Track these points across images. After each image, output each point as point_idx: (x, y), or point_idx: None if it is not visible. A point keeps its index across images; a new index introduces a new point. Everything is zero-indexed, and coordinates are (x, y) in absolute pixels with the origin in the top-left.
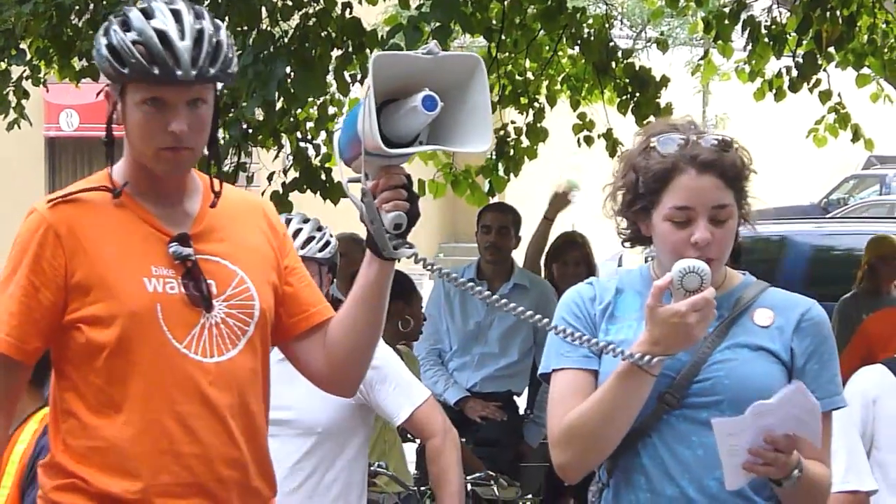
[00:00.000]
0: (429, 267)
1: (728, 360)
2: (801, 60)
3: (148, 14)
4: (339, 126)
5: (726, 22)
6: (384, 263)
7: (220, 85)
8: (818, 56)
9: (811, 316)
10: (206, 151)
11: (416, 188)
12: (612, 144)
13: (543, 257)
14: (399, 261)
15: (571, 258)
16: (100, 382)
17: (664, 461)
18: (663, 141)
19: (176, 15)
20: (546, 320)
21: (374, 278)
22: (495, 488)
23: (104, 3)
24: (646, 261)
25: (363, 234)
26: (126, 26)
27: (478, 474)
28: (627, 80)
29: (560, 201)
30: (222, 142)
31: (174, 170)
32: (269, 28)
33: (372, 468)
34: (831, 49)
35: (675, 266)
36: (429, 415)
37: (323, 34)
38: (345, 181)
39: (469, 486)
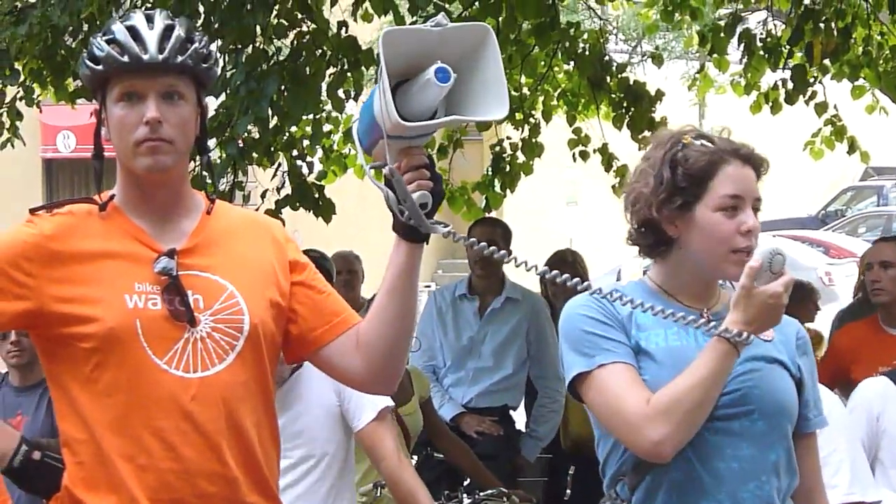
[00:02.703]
0: (464, 241)
1: (753, 371)
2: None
3: (125, 20)
4: (357, 117)
5: (722, 35)
6: (412, 247)
7: (210, 100)
8: (808, 68)
9: (803, 335)
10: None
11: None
12: (608, 159)
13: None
14: (427, 242)
15: None
16: (84, 399)
17: (700, 476)
18: (696, 138)
19: (148, 16)
20: (587, 283)
21: (403, 263)
22: None
23: (97, 23)
24: (644, 274)
25: (361, 249)
26: (104, 33)
27: (491, 490)
28: (622, 95)
29: None
30: (218, 161)
31: (154, 164)
32: (262, 46)
33: (374, 487)
34: (826, 61)
35: (760, 249)
36: (386, 431)
37: (318, 52)
38: (367, 168)
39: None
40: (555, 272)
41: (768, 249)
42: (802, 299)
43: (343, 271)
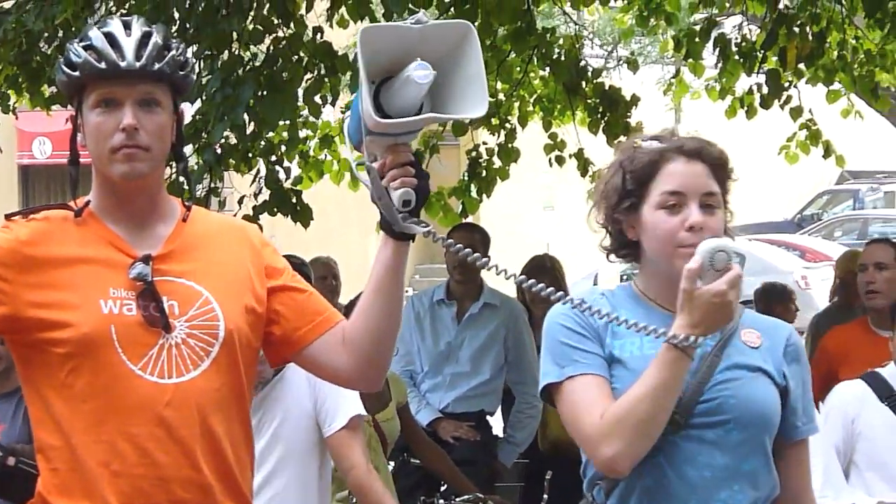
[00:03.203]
0: (442, 242)
1: (732, 380)
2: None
3: (101, 26)
4: (348, 114)
5: (697, 40)
6: (398, 244)
7: (186, 106)
8: (782, 72)
9: (794, 341)
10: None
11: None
12: (584, 164)
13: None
14: (413, 240)
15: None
16: (59, 405)
17: (671, 482)
18: (647, 141)
19: (125, 23)
20: (560, 293)
21: (389, 260)
22: None
23: (73, 29)
24: (620, 279)
25: (338, 254)
26: (81, 40)
27: (467, 496)
28: (598, 100)
29: None
30: (195, 167)
31: (130, 171)
32: (238, 52)
33: (349, 494)
34: (801, 66)
35: (700, 248)
36: (355, 440)
37: (294, 58)
38: (353, 165)
39: None
40: (531, 281)
41: (708, 248)
42: (783, 301)
43: (328, 276)
